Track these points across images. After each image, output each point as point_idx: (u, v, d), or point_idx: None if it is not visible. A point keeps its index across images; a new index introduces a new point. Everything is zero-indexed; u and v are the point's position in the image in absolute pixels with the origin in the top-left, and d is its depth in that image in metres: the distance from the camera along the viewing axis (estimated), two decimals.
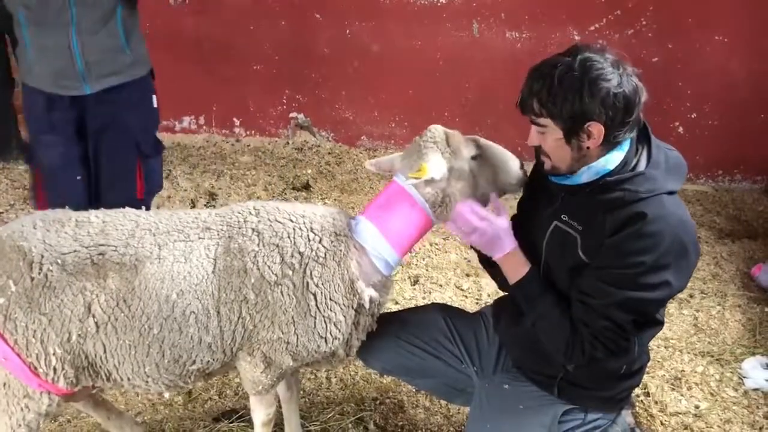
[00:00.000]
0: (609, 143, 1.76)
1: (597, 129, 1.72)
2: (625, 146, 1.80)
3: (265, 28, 5.00)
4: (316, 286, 1.88)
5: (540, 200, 2.00)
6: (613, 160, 1.79)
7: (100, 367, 1.82)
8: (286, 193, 4.50)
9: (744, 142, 4.62)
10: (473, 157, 1.97)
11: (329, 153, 5.19)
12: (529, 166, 2.04)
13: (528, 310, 1.94)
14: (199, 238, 1.87)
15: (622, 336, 1.79)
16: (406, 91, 5.02)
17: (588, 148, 1.77)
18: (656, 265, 1.71)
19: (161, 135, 5.31)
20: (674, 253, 1.71)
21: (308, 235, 1.92)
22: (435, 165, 1.92)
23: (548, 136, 1.79)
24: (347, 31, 4.96)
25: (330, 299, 1.91)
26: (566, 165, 1.82)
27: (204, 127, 5.43)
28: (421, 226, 1.99)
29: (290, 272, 1.87)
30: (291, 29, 5.02)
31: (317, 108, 5.23)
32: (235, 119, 5.37)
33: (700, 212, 4.43)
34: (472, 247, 2.10)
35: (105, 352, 1.80)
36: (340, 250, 1.93)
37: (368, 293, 1.97)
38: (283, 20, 5.00)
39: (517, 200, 2.19)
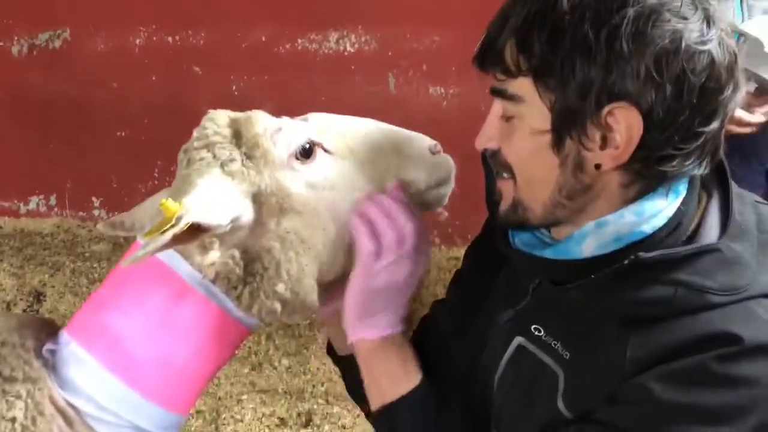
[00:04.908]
0: (645, 172, 0.91)
1: (627, 119, 0.87)
2: (680, 190, 0.96)
3: (131, 84, 4.30)
4: None
5: (494, 288, 1.15)
6: (651, 213, 0.93)
7: None
8: None
9: None
10: (303, 153, 1.07)
11: None
12: None
13: None
14: None
15: None
16: None
17: (599, 167, 0.90)
18: None
19: (2, 220, 4.62)
20: None
21: None
22: (197, 197, 0.98)
23: (520, 125, 0.95)
24: (234, 87, 4.28)
25: None
26: (541, 204, 0.96)
27: (56, 209, 4.61)
28: (208, 338, 1.05)
29: None
30: (164, 85, 4.31)
31: None
32: (94, 198, 4.58)
33: None
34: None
35: None
36: (14, 419, 0.96)
37: None
38: (153, 74, 4.30)
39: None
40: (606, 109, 0.88)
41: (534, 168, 0.96)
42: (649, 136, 0.88)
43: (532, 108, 0.93)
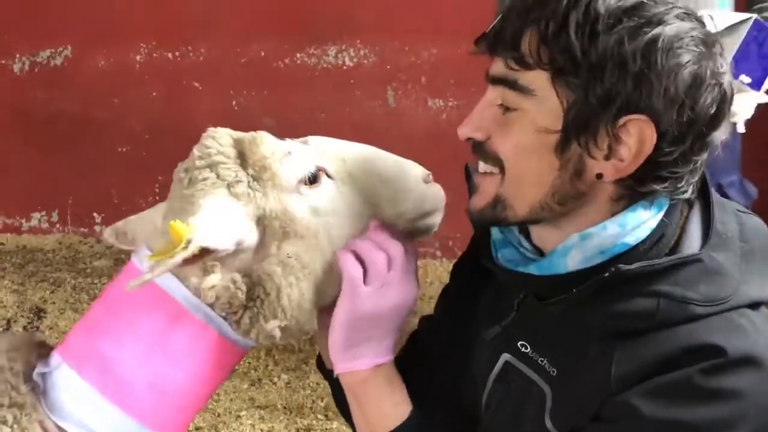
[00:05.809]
0: (640, 188, 0.90)
1: (641, 133, 0.85)
2: (663, 202, 0.93)
3: (132, 100, 4.31)
4: None
5: (480, 304, 1.12)
6: (635, 225, 0.90)
7: None
8: None
9: None
10: (310, 180, 1.05)
11: None
12: None
13: None
14: None
15: None
16: None
17: (600, 177, 0.88)
18: None
19: (4, 237, 4.63)
20: None
21: None
22: (205, 218, 0.95)
23: (521, 119, 0.90)
24: (233, 102, 4.27)
25: None
26: (528, 204, 0.93)
27: (57, 225, 4.61)
28: (205, 362, 1.02)
29: None
30: (164, 101, 4.32)
31: None
32: (95, 214, 4.57)
33: None
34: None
35: None
36: None
37: None
38: (154, 91, 4.31)
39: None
40: (624, 119, 0.85)
41: (529, 166, 0.91)
42: (657, 155, 0.86)
43: (542, 103, 0.88)
